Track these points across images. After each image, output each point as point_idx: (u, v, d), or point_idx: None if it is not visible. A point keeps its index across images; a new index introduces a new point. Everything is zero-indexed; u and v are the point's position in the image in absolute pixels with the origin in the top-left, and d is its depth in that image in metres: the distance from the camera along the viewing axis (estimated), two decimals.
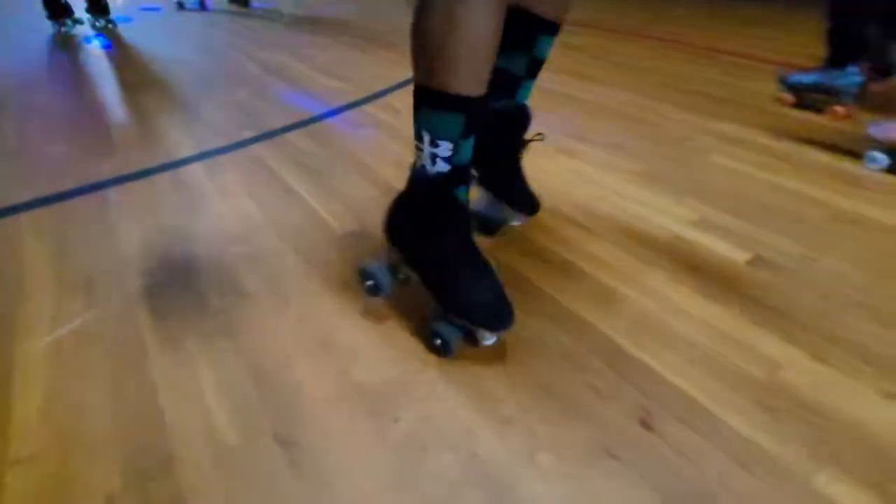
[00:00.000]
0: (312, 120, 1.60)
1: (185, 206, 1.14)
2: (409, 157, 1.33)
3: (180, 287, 0.89)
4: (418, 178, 0.74)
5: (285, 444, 0.63)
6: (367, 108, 1.70)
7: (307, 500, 0.58)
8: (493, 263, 0.76)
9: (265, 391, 0.70)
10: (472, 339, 0.75)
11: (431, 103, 0.67)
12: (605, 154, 1.37)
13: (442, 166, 0.71)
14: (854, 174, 1.25)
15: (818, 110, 1.62)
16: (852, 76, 1.56)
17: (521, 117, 0.96)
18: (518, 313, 0.73)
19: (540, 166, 1.30)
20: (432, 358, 0.75)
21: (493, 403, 0.68)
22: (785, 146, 1.40)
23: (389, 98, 1.80)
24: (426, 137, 0.70)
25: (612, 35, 2.79)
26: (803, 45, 2.23)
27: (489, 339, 0.75)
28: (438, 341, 0.74)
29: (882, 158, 1.27)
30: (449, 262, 0.74)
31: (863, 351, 0.75)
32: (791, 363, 0.73)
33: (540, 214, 1.08)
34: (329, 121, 1.60)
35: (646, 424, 0.65)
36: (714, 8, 3.49)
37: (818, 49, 1.62)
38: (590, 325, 0.79)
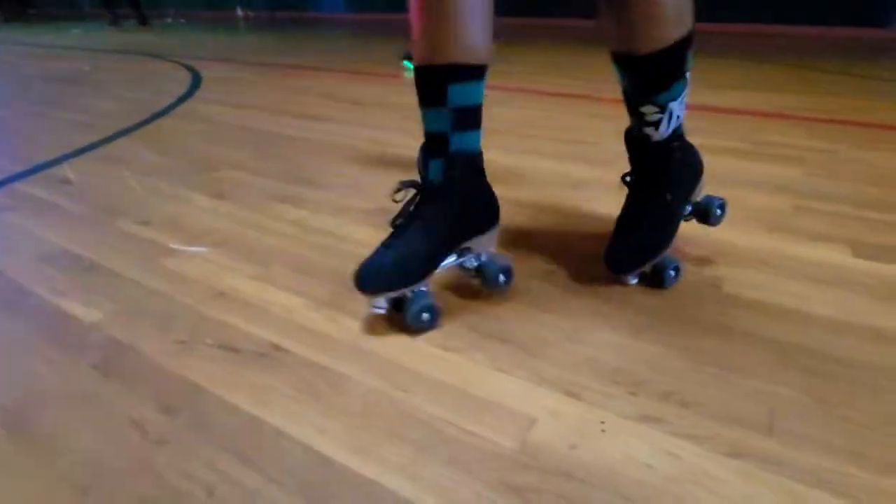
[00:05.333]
0: None
1: None
2: (73, 247, 0.95)
3: None
4: None
5: None
6: (19, 185, 1.26)
7: None
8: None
9: None
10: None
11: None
12: (336, 196, 1.18)
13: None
14: None
15: None
16: None
17: None
18: (173, 452, 0.45)
19: (257, 222, 1.05)
20: None
21: None
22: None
23: (62, 168, 1.37)
24: None
25: (343, 75, 2.74)
26: None
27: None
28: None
29: None
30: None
31: (605, 368, 0.64)
32: (544, 412, 0.58)
33: (240, 285, 0.82)
34: None
35: None
36: None
37: None
38: (285, 438, 0.55)
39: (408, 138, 1.63)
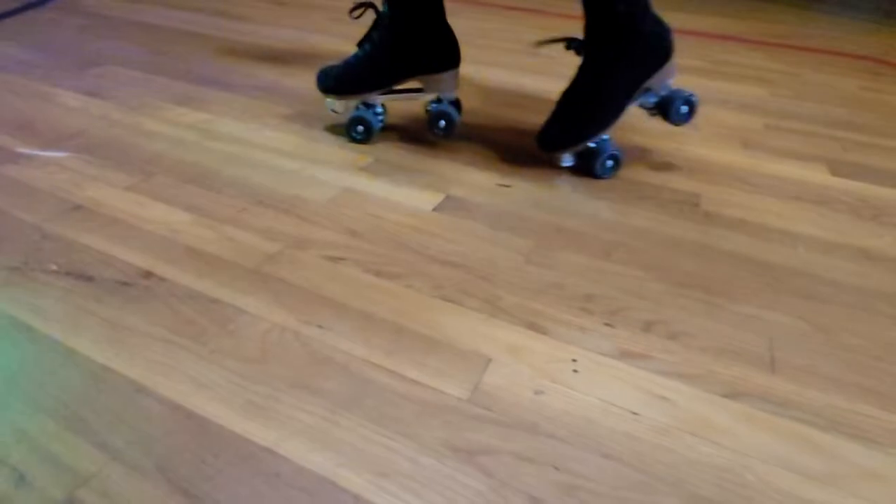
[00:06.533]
0: None
1: None
2: None
3: None
4: None
5: None
6: None
7: None
8: None
9: None
10: None
11: None
12: (248, 99, 0.97)
13: None
14: None
15: None
16: None
17: None
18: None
19: (142, 125, 0.83)
20: None
21: None
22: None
23: None
24: None
25: None
26: None
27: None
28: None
29: None
30: None
31: (574, 295, 0.52)
32: (502, 350, 0.46)
33: (107, 198, 0.63)
34: None
35: None
36: None
37: None
38: (143, 395, 0.40)
39: (336, 40, 1.40)
